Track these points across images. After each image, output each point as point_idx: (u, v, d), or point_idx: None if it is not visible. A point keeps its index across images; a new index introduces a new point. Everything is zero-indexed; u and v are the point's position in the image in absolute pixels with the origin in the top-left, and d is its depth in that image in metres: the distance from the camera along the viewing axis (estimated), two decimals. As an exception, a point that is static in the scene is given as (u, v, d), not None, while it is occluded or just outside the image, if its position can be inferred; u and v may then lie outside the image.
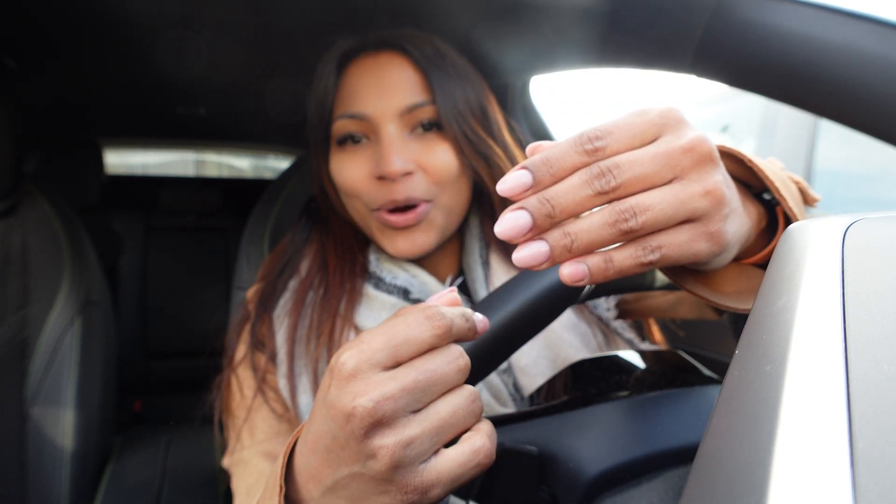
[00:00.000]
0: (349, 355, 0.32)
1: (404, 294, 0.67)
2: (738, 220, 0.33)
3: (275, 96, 1.26)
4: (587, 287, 0.45)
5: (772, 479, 0.15)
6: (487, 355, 0.41)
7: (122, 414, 1.91)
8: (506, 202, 0.68)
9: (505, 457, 0.40)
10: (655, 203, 0.29)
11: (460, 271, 0.73)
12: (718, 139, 0.44)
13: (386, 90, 0.63)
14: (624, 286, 0.49)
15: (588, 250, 0.30)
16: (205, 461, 1.19)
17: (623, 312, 0.72)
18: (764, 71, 0.64)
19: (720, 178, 0.30)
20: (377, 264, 0.70)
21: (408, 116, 0.63)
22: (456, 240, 0.73)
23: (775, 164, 0.44)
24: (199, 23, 0.87)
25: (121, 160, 2.55)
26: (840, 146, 1.79)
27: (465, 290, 0.71)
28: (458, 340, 0.34)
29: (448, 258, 0.73)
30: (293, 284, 0.70)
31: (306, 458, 0.34)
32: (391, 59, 0.64)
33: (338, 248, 0.71)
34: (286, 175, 1.09)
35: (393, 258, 0.70)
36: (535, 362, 0.63)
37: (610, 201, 0.29)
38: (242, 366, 0.69)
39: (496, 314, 0.41)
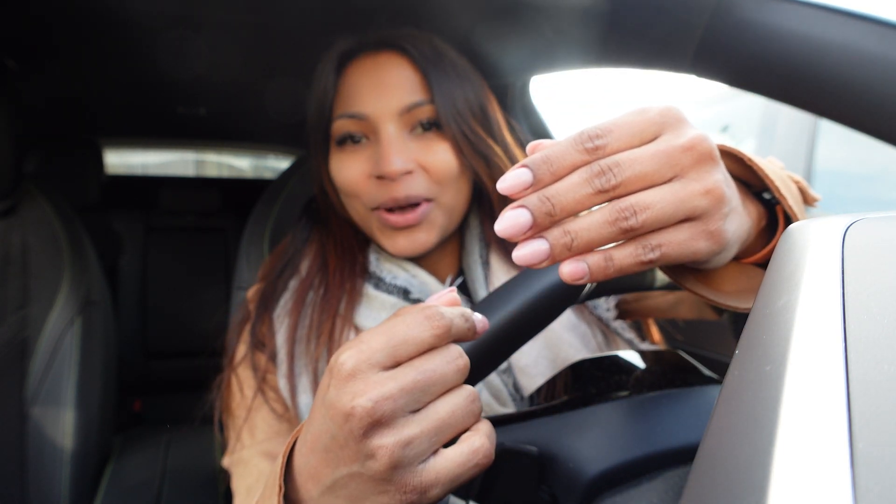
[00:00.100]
0: (348, 355, 0.32)
1: (404, 294, 0.67)
2: (738, 219, 0.33)
3: (275, 96, 1.26)
4: (587, 287, 0.45)
5: (772, 479, 0.15)
6: (487, 355, 0.41)
7: (122, 414, 1.91)
8: (506, 201, 0.68)
9: (505, 457, 0.40)
10: (655, 201, 0.29)
11: (460, 271, 0.73)
12: (718, 139, 0.44)
13: (385, 90, 0.63)
14: (624, 286, 0.49)
15: (588, 249, 0.30)
16: (205, 461, 1.19)
17: (623, 313, 0.72)
18: (764, 71, 0.64)
19: (720, 177, 0.30)
20: (377, 264, 0.70)
21: (407, 116, 0.63)
22: (456, 240, 0.73)
23: (775, 163, 0.44)
24: (199, 23, 0.87)
25: (121, 160, 2.55)
26: (840, 146, 1.79)
27: (464, 290, 0.71)
28: (457, 340, 0.34)
29: (448, 258, 0.73)
30: (293, 284, 0.70)
31: (305, 457, 0.34)
32: (390, 59, 0.64)
33: (338, 248, 0.71)
34: (286, 175, 1.09)
35: (393, 258, 0.70)
36: (534, 362, 0.63)
37: (610, 200, 0.29)
38: (243, 366, 0.69)
39: (496, 314, 0.41)
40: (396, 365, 0.32)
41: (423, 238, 0.64)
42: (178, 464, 1.17)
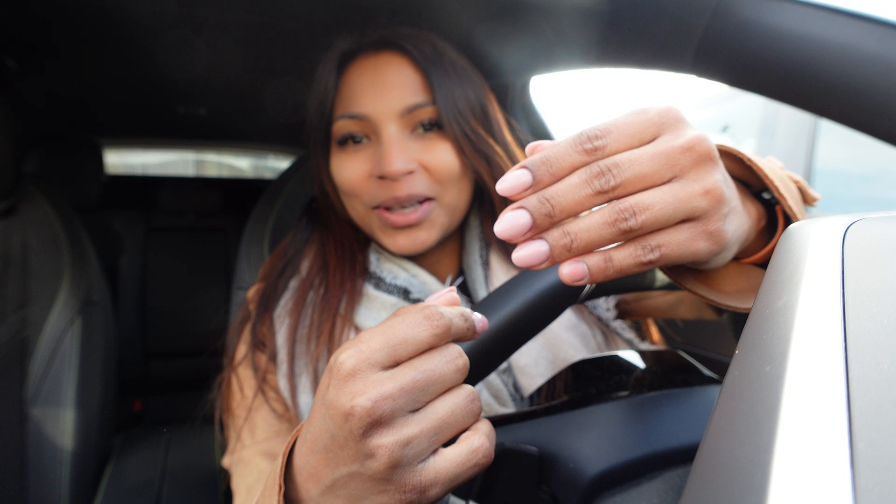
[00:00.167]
0: (348, 355, 0.32)
1: (404, 294, 0.67)
2: (738, 220, 0.33)
3: (275, 96, 1.26)
4: (587, 287, 0.45)
5: (772, 479, 0.15)
6: (487, 355, 0.41)
7: (122, 414, 1.92)
8: (506, 202, 0.68)
9: (505, 457, 0.40)
10: (655, 202, 0.29)
11: (460, 271, 0.73)
12: (718, 139, 0.44)
13: (386, 90, 0.63)
14: (624, 286, 0.49)
15: (588, 249, 0.30)
16: (205, 461, 1.19)
17: (622, 313, 0.72)
18: (764, 71, 0.64)
19: (719, 178, 0.30)
20: (377, 264, 0.70)
21: (408, 117, 0.63)
22: (456, 240, 0.73)
23: (774, 163, 0.44)
24: (199, 23, 0.87)
25: (121, 160, 2.55)
26: (840, 146, 1.79)
27: (464, 290, 0.71)
28: (457, 340, 0.34)
29: (448, 258, 0.73)
30: (294, 284, 0.70)
31: (305, 457, 0.34)
32: (391, 60, 0.64)
33: (338, 249, 0.71)
34: (286, 175, 1.09)
35: (393, 258, 0.70)
36: (534, 362, 0.63)
37: (609, 200, 0.29)
38: (243, 365, 0.69)
39: (496, 314, 0.41)
40: (396, 364, 0.32)
41: (424, 236, 0.64)
42: (178, 464, 1.16)
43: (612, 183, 0.29)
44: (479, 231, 0.72)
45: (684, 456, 0.38)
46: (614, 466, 0.37)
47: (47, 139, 1.65)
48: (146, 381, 1.98)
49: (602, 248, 0.30)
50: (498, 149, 0.67)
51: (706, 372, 0.51)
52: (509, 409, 0.63)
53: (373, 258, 0.70)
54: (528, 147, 0.32)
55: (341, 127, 0.65)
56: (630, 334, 0.68)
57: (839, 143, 1.78)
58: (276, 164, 2.66)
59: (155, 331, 1.98)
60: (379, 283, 0.68)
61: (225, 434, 0.71)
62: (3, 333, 0.94)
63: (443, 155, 0.63)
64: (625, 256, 0.30)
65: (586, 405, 0.43)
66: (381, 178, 0.62)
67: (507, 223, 0.29)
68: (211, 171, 3.00)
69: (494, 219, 0.72)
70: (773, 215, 0.41)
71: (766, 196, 0.41)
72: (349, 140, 0.65)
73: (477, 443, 0.32)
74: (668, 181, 0.30)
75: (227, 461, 0.68)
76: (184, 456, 1.20)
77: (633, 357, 0.53)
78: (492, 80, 0.74)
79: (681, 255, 0.30)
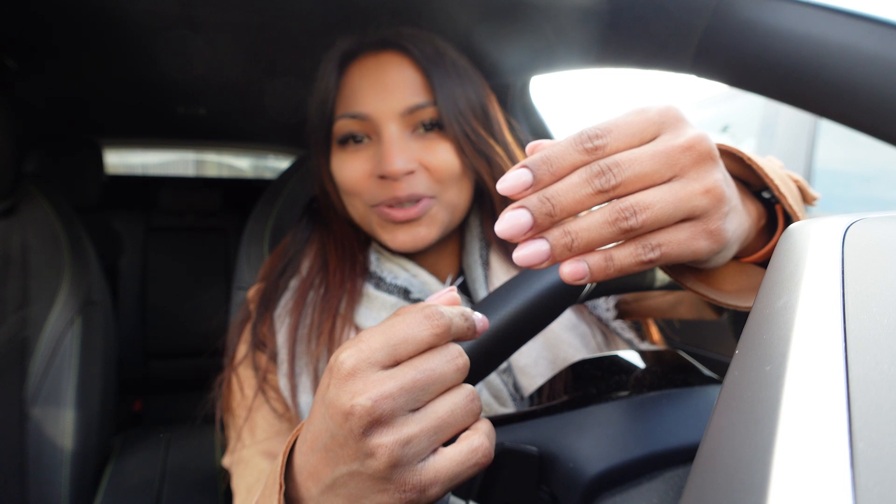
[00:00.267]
0: (348, 354, 0.32)
1: (405, 294, 0.67)
2: (738, 218, 0.33)
3: (275, 96, 1.26)
4: (587, 287, 0.45)
5: (772, 479, 0.15)
6: (487, 355, 0.41)
7: (122, 414, 1.92)
8: (506, 202, 0.68)
9: (505, 457, 0.40)
10: (655, 201, 0.29)
11: (460, 271, 0.73)
12: (718, 139, 0.44)
13: (387, 90, 0.63)
14: (624, 286, 0.49)
15: (588, 249, 0.30)
16: (205, 461, 1.19)
17: (622, 313, 0.72)
18: (764, 71, 0.64)
19: (720, 177, 0.30)
20: (378, 264, 0.70)
21: (409, 117, 0.63)
22: (456, 240, 0.73)
23: (774, 162, 0.44)
24: (199, 23, 0.87)
25: (121, 160, 2.55)
26: (840, 146, 1.79)
27: (465, 289, 0.71)
28: (457, 340, 0.34)
29: (448, 258, 0.73)
30: (294, 284, 0.71)
31: (305, 456, 0.34)
32: (392, 59, 0.64)
33: (338, 248, 0.71)
34: (286, 175, 1.09)
35: (393, 258, 0.70)
36: (534, 362, 0.63)
37: (610, 200, 0.29)
38: (243, 365, 0.69)
39: (496, 314, 0.41)
40: (396, 364, 0.32)
41: (424, 233, 0.64)
42: (178, 464, 1.16)
43: (613, 182, 0.29)
44: (480, 231, 0.72)
45: (684, 456, 0.38)
46: (614, 466, 0.37)
47: (47, 139, 1.65)
48: (146, 381, 1.98)
49: (603, 248, 0.30)
50: (498, 149, 0.67)
51: (706, 372, 0.51)
52: (509, 409, 0.63)
53: (373, 258, 0.70)
54: (529, 147, 0.32)
55: (342, 126, 0.65)
56: (630, 334, 0.68)
57: (839, 143, 1.78)
58: (276, 164, 2.66)
59: (155, 331, 1.98)
60: (379, 282, 0.68)
61: (225, 434, 0.71)
62: (3, 333, 0.94)
63: (443, 155, 0.63)
64: (625, 255, 0.30)
65: (586, 405, 0.43)
66: (382, 177, 0.62)
67: (508, 223, 0.29)
68: (211, 171, 3.01)
69: (494, 219, 0.72)
70: (772, 214, 0.41)
71: (765, 195, 0.41)
72: (350, 139, 0.65)
73: (477, 442, 0.32)
74: (669, 180, 0.30)
75: (227, 461, 0.68)
76: (184, 456, 1.20)
77: (633, 357, 0.53)
78: (492, 80, 0.74)
79: (681, 253, 0.30)
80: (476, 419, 0.33)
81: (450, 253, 0.73)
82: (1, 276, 0.97)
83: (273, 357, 0.68)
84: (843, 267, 0.23)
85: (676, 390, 0.45)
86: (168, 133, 1.94)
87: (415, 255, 0.71)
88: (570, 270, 0.30)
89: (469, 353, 0.39)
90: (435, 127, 0.64)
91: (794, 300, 0.22)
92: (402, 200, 0.62)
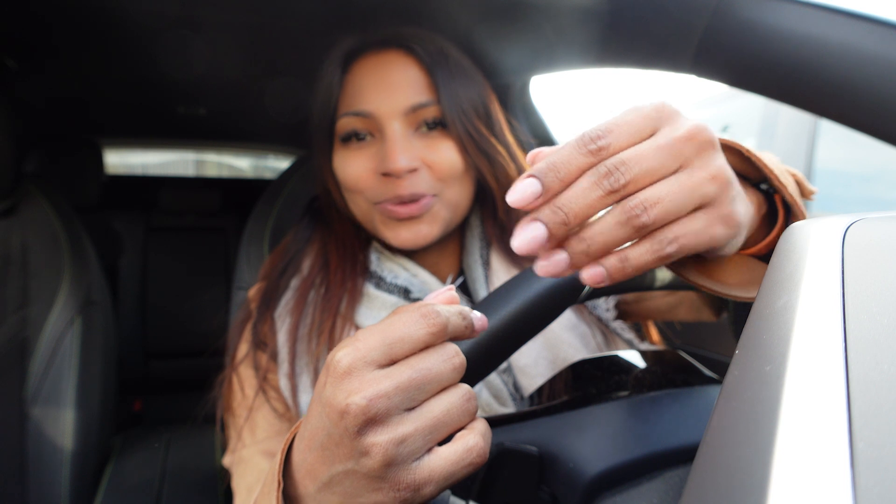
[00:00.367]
0: (344, 353, 0.32)
1: (405, 293, 0.67)
2: (744, 203, 0.33)
3: (275, 96, 1.26)
4: (587, 287, 0.45)
5: (772, 479, 0.15)
6: (487, 355, 0.41)
7: (122, 414, 1.92)
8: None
9: (505, 457, 0.40)
10: (665, 194, 0.29)
11: (461, 271, 0.74)
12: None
13: (390, 89, 0.63)
14: (624, 286, 0.49)
15: (605, 252, 0.30)
16: (205, 461, 1.19)
17: (622, 313, 0.72)
18: (764, 71, 0.64)
19: (723, 162, 0.31)
20: (378, 264, 0.70)
21: (412, 115, 0.63)
22: (457, 239, 0.73)
23: (771, 157, 0.45)
24: (199, 23, 0.87)
25: (121, 160, 2.55)
26: (840, 146, 1.79)
27: (465, 289, 0.71)
28: (455, 339, 0.34)
29: (449, 258, 0.73)
30: (295, 283, 0.71)
31: (303, 454, 0.34)
32: (396, 58, 0.64)
33: (339, 248, 0.71)
34: (286, 175, 1.09)
35: (394, 258, 0.70)
36: (534, 362, 0.63)
37: (621, 199, 0.29)
38: (244, 365, 0.69)
39: (496, 314, 0.41)
40: (392, 363, 0.32)
41: (426, 230, 0.64)
42: (178, 464, 1.16)
43: (622, 181, 0.29)
44: (480, 231, 0.72)
45: (684, 456, 0.38)
46: (614, 466, 0.37)
47: (47, 139, 1.65)
48: (146, 381, 1.98)
49: (619, 248, 0.30)
50: (500, 148, 0.67)
51: (706, 372, 0.51)
52: (509, 409, 0.63)
53: (374, 257, 0.70)
54: (530, 156, 0.32)
55: (345, 124, 0.65)
56: (630, 334, 0.68)
57: (839, 143, 1.78)
58: (276, 164, 2.66)
59: (155, 331, 1.98)
60: (380, 282, 0.68)
61: (225, 433, 0.71)
62: (3, 333, 0.94)
63: (446, 153, 0.63)
64: (642, 253, 0.30)
65: (586, 405, 0.43)
66: (385, 175, 0.62)
67: (525, 238, 0.29)
68: (211, 171, 3.01)
69: (495, 219, 0.72)
70: (772, 207, 0.41)
71: (763, 187, 0.41)
72: (353, 137, 0.65)
73: (472, 442, 0.32)
74: (675, 172, 0.30)
75: (227, 460, 0.68)
76: (184, 456, 1.20)
77: (633, 357, 0.53)
78: (492, 80, 0.74)
79: (699, 243, 0.30)
80: (472, 419, 0.33)
81: (450, 253, 0.73)
82: (1, 276, 0.97)
83: (274, 356, 0.68)
84: (843, 267, 0.23)
85: (676, 390, 0.45)
86: (168, 133, 1.94)
87: (415, 255, 0.71)
88: (589, 275, 0.30)
89: (469, 352, 0.39)
90: (438, 126, 0.64)
91: (794, 300, 0.22)
92: (404, 199, 0.62)
